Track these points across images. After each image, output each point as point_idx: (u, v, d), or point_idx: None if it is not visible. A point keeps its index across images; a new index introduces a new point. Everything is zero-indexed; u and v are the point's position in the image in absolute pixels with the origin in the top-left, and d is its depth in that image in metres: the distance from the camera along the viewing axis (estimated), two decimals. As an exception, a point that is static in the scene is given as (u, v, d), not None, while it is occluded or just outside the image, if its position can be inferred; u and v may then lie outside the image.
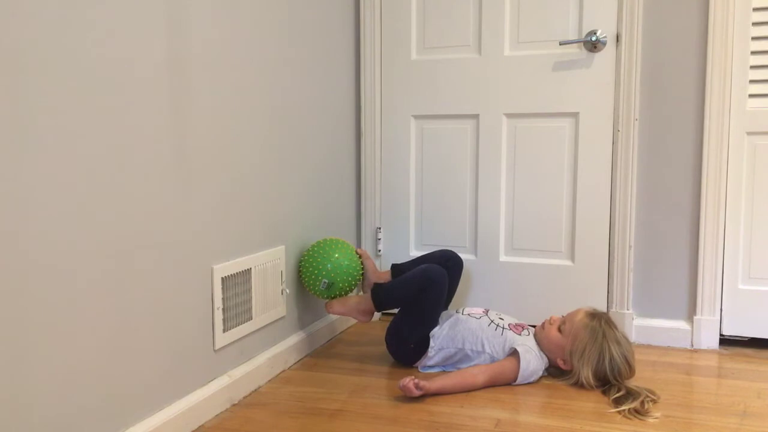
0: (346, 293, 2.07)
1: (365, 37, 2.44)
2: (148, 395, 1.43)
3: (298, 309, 2.09)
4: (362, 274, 2.13)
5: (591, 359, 1.77)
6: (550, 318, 1.90)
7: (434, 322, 1.95)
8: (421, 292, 1.92)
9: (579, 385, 1.79)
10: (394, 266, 2.18)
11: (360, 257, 2.12)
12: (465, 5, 2.34)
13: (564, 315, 1.89)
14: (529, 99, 2.29)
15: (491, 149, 2.35)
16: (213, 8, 1.60)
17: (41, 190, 1.15)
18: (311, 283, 2.01)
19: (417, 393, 1.68)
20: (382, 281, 2.09)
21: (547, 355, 1.87)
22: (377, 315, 2.27)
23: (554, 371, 1.88)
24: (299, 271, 2.04)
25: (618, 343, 1.78)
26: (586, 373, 1.77)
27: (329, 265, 1.99)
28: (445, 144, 2.41)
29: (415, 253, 2.37)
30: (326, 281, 1.99)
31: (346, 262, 2.02)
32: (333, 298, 2.05)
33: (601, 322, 1.81)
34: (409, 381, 1.68)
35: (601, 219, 2.24)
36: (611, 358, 1.76)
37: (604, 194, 2.23)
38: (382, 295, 2.00)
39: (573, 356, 1.80)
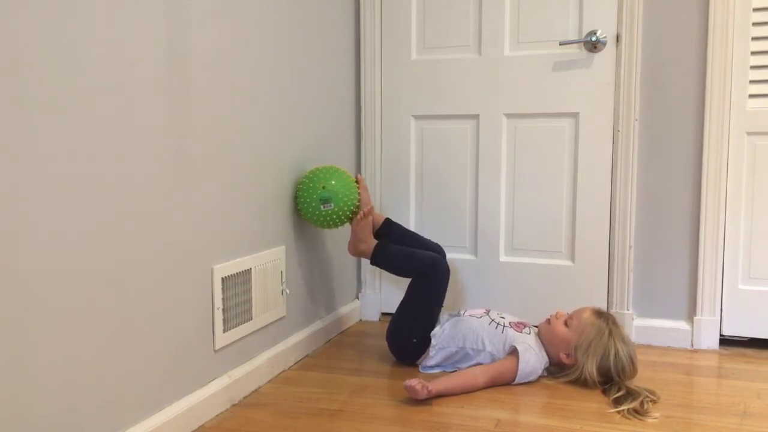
0: (343, 215, 2.00)
1: (365, 37, 2.44)
2: (148, 395, 1.43)
3: (298, 309, 2.09)
4: (357, 205, 2.06)
5: (596, 354, 1.78)
6: (557, 313, 1.91)
7: (434, 318, 1.96)
8: (420, 277, 1.96)
9: (581, 381, 1.79)
10: (388, 220, 2.16)
11: (358, 185, 2.09)
12: (465, 5, 2.34)
13: (570, 312, 1.90)
14: (529, 99, 2.29)
15: (491, 149, 2.35)
16: (213, 8, 1.60)
17: (41, 190, 1.15)
18: (307, 204, 1.96)
19: (423, 394, 1.68)
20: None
21: (550, 350, 1.87)
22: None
23: (555, 369, 1.89)
24: (296, 198, 2.00)
25: (624, 341, 1.80)
26: (590, 368, 1.77)
27: (332, 197, 1.96)
28: (445, 144, 2.41)
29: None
30: (324, 198, 1.95)
31: (343, 191, 1.99)
32: (330, 222, 1.98)
33: (608, 321, 1.82)
34: (416, 382, 1.68)
35: (601, 219, 2.24)
36: (616, 354, 1.77)
37: (604, 194, 2.23)
38: (383, 253, 2.03)
39: (578, 350, 1.81)
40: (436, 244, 2.14)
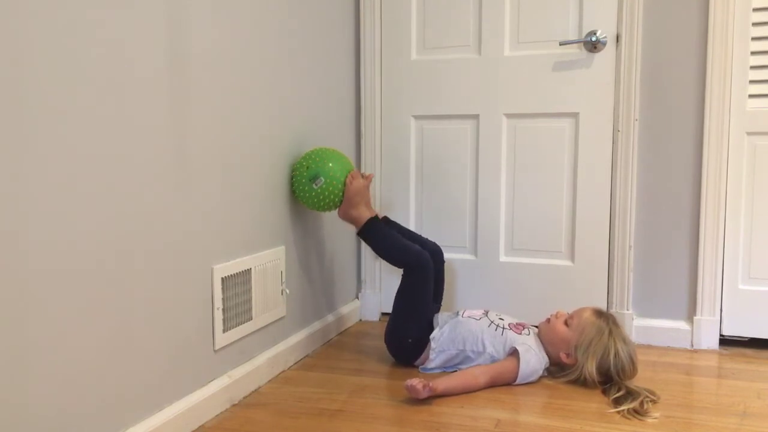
0: (339, 184, 1.96)
1: (365, 37, 2.44)
2: (148, 395, 1.43)
3: (298, 309, 2.09)
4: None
5: (596, 353, 1.78)
6: (557, 312, 1.91)
7: (428, 314, 1.97)
8: (404, 266, 1.98)
9: (581, 380, 1.79)
10: (385, 219, 2.15)
11: (363, 178, 2.05)
12: (465, 5, 2.34)
13: (570, 312, 1.90)
14: (529, 99, 2.29)
15: (491, 149, 2.35)
16: (213, 8, 1.60)
17: (41, 190, 1.15)
18: (300, 188, 1.95)
19: (425, 394, 1.68)
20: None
21: (550, 350, 1.87)
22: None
23: (555, 369, 1.89)
24: (291, 177, 1.98)
25: (624, 341, 1.81)
26: (590, 367, 1.77)
27: (321, 172, 1.93)
28: (445, 144, 2.41)
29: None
30: (313, 176, 1.91)
31: (339, 174, 1.97)
32: (323, 198, 1.95)
33: (608, 321, 1.83)
34: (417, 381, 1.68)
35: (601, 219, 2.24)
36: (616, 353, 1.77)
37: (604, 194, 2.23)
38: (373, 228, 2.02)
39: (578, 350, 1.81)
40: (434, 243, 2.14)
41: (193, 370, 1.58)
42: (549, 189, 2.30)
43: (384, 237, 2.03)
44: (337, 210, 2.04)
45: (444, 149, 2.41)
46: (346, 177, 1.98)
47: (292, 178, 1.98)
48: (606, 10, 2.18)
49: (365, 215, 2.02)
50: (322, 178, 1.93)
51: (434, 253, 2.09)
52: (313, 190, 1.94)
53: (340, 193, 1.98)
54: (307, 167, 1.94)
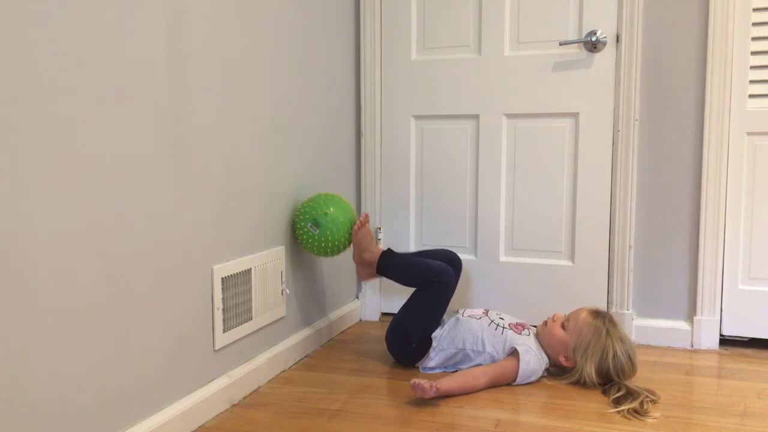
0: (337, 239, 1.97)
1: (365, 37, 2.44)
2: (148, 395, 1.43)
3: (298, 309, 2.09)
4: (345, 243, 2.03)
5: (595, 355, 1.77)
6: (553, 315, 1.90)
7: (437, 323, 1.95)
8: (428, 284, 1.93)
9: (581, 382, 1.79)
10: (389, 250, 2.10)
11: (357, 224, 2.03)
12: (465, 5, 2.34)
13: (567, 313, 1.90)
14: (529, 99, 2.29)
15: (491, 149, 2.35)
16: (213, 8, 1.60)
17: (41, 190, 1.15)
18: (302, 228, 1.97)
19: (431, 393, 1.67)
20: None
21: (548, 353, 1.87)
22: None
23: (555, 371, 1.89)
24: (294, 224, 1.99)
25: (622, 341, 1.80)
26: (589, 369, 1.77)
27: (324, 218, 1.94)
28: (445, 144, 2.41)
29: (415, 253, 2.36)
30: (311, 223, 1.94)
31: (341, 218, 1.98)
32: (324, 246, 1.96)
33: (605, 321, 1.82)
34: (424, 381, 1.68)
35: (601, 219, 2.24)
36: (614, 354, 1.76)
37: (604, 194, 2.23)
38: (389, 262, 1.99)
39: (576, 352, 1.80)
40: (450, 251, 2.10)
41: (193, 370, 1.58)
42: (549, 189, 2.30)
43: (401, 265, 2.00)
44: (351, 257, 2.07)
45: (444, 149, 2.41)
46: (350, 226, 1.99)
47: (294, 223, 1.99)
48: (606, 10, 2.18)
49: (376, 252, 2.01)
50: (318, 230, 1.94)
51: (452, 261, 2.07)
52: (307, 230, 1.95)
53: (326, 253, 1.98)
54: (325, 213, 1.95)
